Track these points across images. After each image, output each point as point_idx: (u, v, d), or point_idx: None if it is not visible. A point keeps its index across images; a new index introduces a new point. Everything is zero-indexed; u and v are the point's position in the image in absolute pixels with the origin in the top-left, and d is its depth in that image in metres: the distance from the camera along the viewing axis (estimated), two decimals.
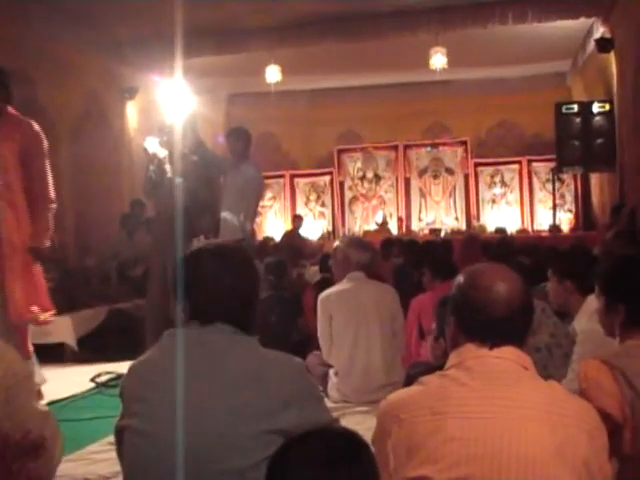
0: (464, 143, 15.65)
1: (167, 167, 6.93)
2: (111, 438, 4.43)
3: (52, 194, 5.82)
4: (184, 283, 2.40)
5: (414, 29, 10.94)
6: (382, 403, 2.17)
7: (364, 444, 1.77)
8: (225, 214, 7.25)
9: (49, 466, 2.46)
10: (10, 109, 5.67)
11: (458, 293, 2.20)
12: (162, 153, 6.93)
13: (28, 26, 9.73)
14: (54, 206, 5.87)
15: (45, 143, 5.72)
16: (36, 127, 5.70)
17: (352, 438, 1.76)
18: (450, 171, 15.77)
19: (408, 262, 9.10)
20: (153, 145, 6.99)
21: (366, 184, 16.05)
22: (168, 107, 7.72)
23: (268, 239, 14.37)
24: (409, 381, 3.44)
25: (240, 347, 2.30)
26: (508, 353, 2.09)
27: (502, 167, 15.60)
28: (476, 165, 15.64)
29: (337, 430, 1.81)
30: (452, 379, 2.07)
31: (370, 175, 16.02)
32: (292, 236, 14.49)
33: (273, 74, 12.00)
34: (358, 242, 5.97)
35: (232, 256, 2.43)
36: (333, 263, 5.87)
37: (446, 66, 11.45)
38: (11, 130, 5.57)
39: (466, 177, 15.67)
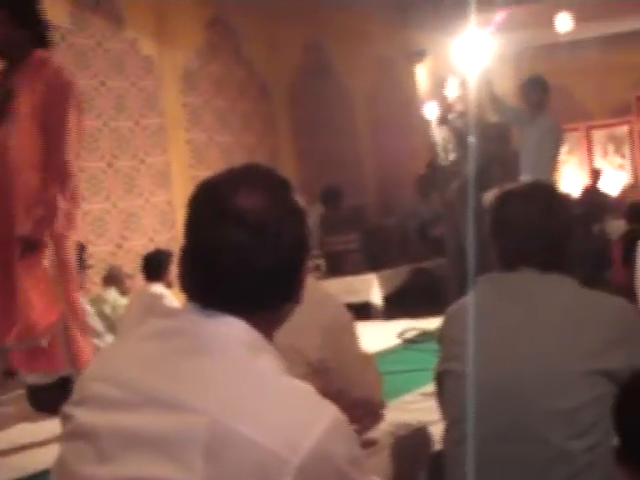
0: None
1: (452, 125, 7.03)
2: (423, 390, 4.56)
3: (71, 167, 4.13)
4: (493, 227, 2.34)
5: None
6: None
7: None
8: (524, 167, 7.13)
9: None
10: (42, 53, 4.18)
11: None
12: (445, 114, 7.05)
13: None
14: (71, 184, 4.13)
15: (74, 97, 4.13)
16: (65, 75, 4.17)
17: None
18: None
19: None
20: (432, 111, 7.16)
21: None
22: (459, 67, 7.69)
23: (566, 195, 13.93)
24: None
25: (560, 286, 2.22)
26: None
27: None
28: None
29: None
30: None
31: None
32: (592, 191, 13.99)
33: (564, 23, 11.57)
34: None
35: (543, 196, 2.33)
36: None
37: None
38: (33, 79, 4.11)
39: None
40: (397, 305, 8.15)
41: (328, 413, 1.26)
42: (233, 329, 1.33)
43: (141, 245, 7.47)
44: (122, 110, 7.68)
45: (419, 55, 12.24)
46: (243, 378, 1.27)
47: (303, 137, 9.82)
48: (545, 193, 2.36)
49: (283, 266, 1.37)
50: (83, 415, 1.34)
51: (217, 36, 8.69)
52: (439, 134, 7.31)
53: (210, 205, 1.37)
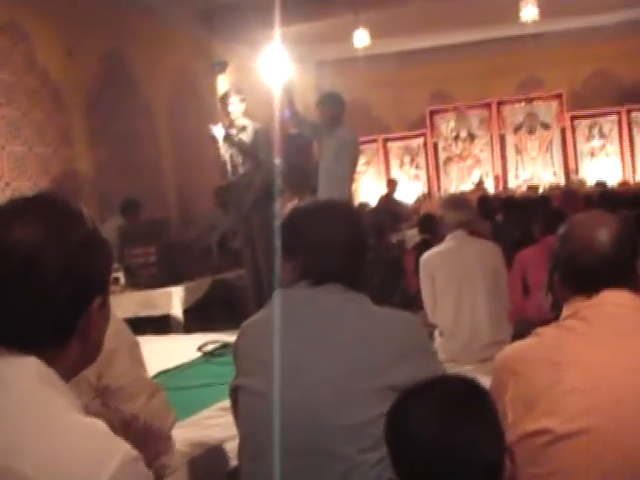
0: (559, 96, 15.28)
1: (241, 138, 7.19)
2: (221, 404, 4.52)
3: None
4: (290, 242, 2.37)
5: None
6: (497, 357, 2.13)
7: (485, 389, 1.74)
8: (322, 179, 7.30)
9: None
10: None
11: (559, 245, 2.15)
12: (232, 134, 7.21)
13: (117, 4, 9.92)
14: None
15: None
16: None
17: (473, 383, 1.72)
18: (546, 125, 15.43)
19: (507, 220, 8.97)
20: (219, 131, 7.29)
21: (460, 144, 15.84)
22: (261, 77, 7.83)
23: (363, 205, 14.34)
24: (516, 338, 3.39)
25: (352, 304, 2.27)
26: (623, 299, 2.03)
27: (600, 118, 15.19)
28: (572, 118, 15.28)
29: (456, 377, 1.78)
30: (568, 329, 2.02)
31: (464, 134, 15.79)
32: (388, 200, 14.45)
33: (361, 38, 11.92)
34: (455, 201, 5.89)
35: (342, 212, 2.38)
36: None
37: (537, 18, 11.17)
38: None
39: (562, 131, 15.32)
40: (198, 318, 8.09)
41: (119, 450, 1.22)
42: (21, 366, 1.28)
43: None
44: None
45: (221, 66, 12.22)
46: (28, 416, 1.21)
47: (101, 148, 9.57)
48: (342, 210, 2.41)
49: (53, 302, 1.31)
50: None
51: (9, 41, 8.31)
52: (225, 150, 7.42)
53: None
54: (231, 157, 7.44)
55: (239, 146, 7.30)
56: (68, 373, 1.37)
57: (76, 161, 9.15)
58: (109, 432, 1.25)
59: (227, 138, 7.36)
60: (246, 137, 7.32)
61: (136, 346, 2.53)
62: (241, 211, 7.37)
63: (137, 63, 10.38)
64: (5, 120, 8.14)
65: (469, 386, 1.70)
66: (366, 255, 2.41)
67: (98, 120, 9.57)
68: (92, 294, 1.37)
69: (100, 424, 1.26)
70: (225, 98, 7.49)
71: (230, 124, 7.49)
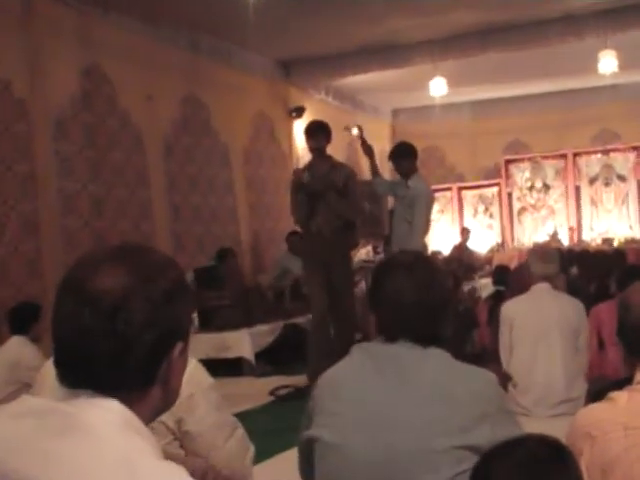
0: (636, 149, 15.06)
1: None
2: (290, 452, 4.52)
3: None
4: (373, 297, 2.38)
5: (581, 34, 10.64)
6: (571, 421, 2.11)
7: (570, 452, 1.70)
8: (396, 228, 7.33)
9: None
10: None
11: (621, 312, 2.15)
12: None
13: (196, 53, 10.17)
14: None
15: None
16: None
17: (556, 443, 1.69)
18: (622, 178, 15.18)
19: (582, 273, 8.86)
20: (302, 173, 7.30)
21: (535, 194, 15.67)
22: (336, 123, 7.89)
23: (436, 253, 14.30)
24: (593, 397, 3.33)
25: (433, 360, 2.25)
26: None
27: None
28: None
29: (540, 439, 1.72)
30: None
31: (539, 185, 15.63)
32: (461, 249, 14.39)
33: (438, 87, 11.98)
34: (544, 253, 5.81)
35: (423, 269, 2.34)
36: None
37: (616, 70, 11.10)
38: None
39: (639, 184, 15.08)
40: (269, 361, 8.15)
41: None
42: (105, 410, 1.31)
43: (9, 296, 7.19)
44: None
45: (297, 112, 12.43)
46: (111, 461, 1.24)
47: (176, 191, 9.76)
48: (425, 266, 2.37)
49: (137, 348, 1.35)
50: None
51: (92, 84, 8.55)
52: (297, 198, 7.38)
53: (70, 283, 1.37)
54: (301, 204, 7.40)
55: (310, 194, 7.27)
56: (148, 418, 1.40)
57: (152, 203, 9.33)
58: (188, 478, 1.27)
59: (298, 186, 7.36)
60: (317, 185, 7.28)
61: (212, 388, 2.57)
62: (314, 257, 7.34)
63: (214, 108, 10.58)
64: (87, 161, 8.36)
65: (553, 449, 1.67)
66: (447, 311, 2.38)
67: (175, 163, 9.77)
68: (175, 341, 1.41)
69: (179, 470, 1.28)
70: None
71: (297, 173, 7.52)
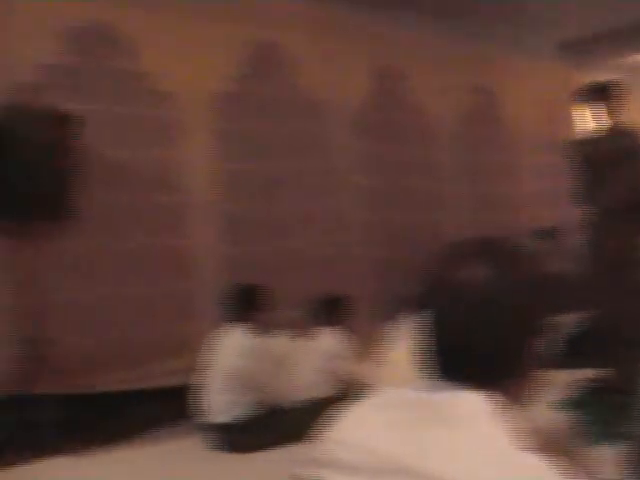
0: None
1: None
2: None
3: None
4: None
5: None
6: None
7: None
8: None
9: None
10: None
11: None
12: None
13: (480, 42, 10.13)
14: None
15: None
16: None
17: None
18: None
19: None
20: None
21: None
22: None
23: None
24: None
25: None
26: None
27: None
28: None
29: None
30: None
31: None
32: None
33: None
34: None
35: None
36: None
37: None
38: None
39: None
40: None
41: None
42: (471, 402, 1.38)
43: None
44: None
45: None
46: (485, 450, 1.29)
47: (463, 180, 9.93)
48: None
49: (504, 340, 1.42)
50: (332, 477, 1.41)
51: (386, 82, 8.90)
52: None
53: (443, 279, 1.48)
54: None
55: None
56: (512, 407, 1.44)
57: (441, 194, 9.54)
58: (555, 474, 1.29)
59: None
60: None
61: None
62: None
63: (502, 97, 10.52)
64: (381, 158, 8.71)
65: None
66: None
67: (461, 153, 9.85)
68: (533, 330, 1.47)
69: (550, 469, 1.29)
70: None
71: None
